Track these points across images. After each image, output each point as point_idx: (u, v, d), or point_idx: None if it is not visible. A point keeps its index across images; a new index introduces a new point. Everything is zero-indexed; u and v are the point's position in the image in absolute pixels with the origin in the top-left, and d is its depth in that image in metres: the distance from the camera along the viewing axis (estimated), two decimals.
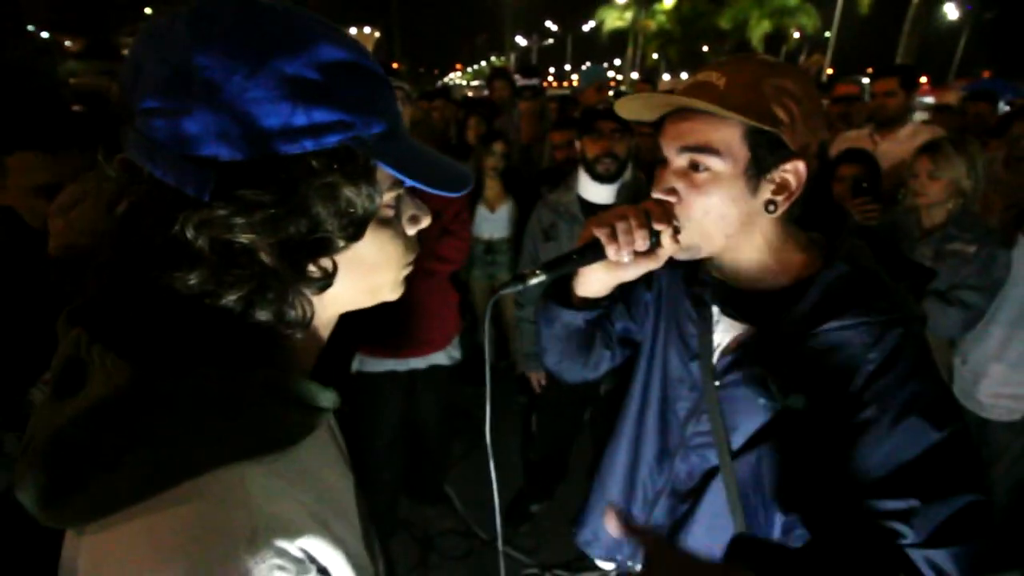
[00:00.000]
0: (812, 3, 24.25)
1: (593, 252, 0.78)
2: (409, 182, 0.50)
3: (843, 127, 3.33)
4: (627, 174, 2.01)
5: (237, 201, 0.42)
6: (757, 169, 0.74)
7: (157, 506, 0.39)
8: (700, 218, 0.76)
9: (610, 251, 0.77)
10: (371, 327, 1.96)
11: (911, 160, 2.01)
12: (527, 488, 2.53)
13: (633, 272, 0.82)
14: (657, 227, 0.77)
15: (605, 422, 1.41)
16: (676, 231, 0.78)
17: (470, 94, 9.67)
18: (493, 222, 2.89)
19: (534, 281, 0.77)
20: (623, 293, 0.98)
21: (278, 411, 0.45)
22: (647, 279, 1.00)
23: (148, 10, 0.46)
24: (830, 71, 21.25)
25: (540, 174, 2.93)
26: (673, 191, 0.77)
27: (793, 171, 0.75)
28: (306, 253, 0.46)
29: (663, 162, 0.81)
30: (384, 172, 0.49)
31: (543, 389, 2.37)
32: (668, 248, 0.78)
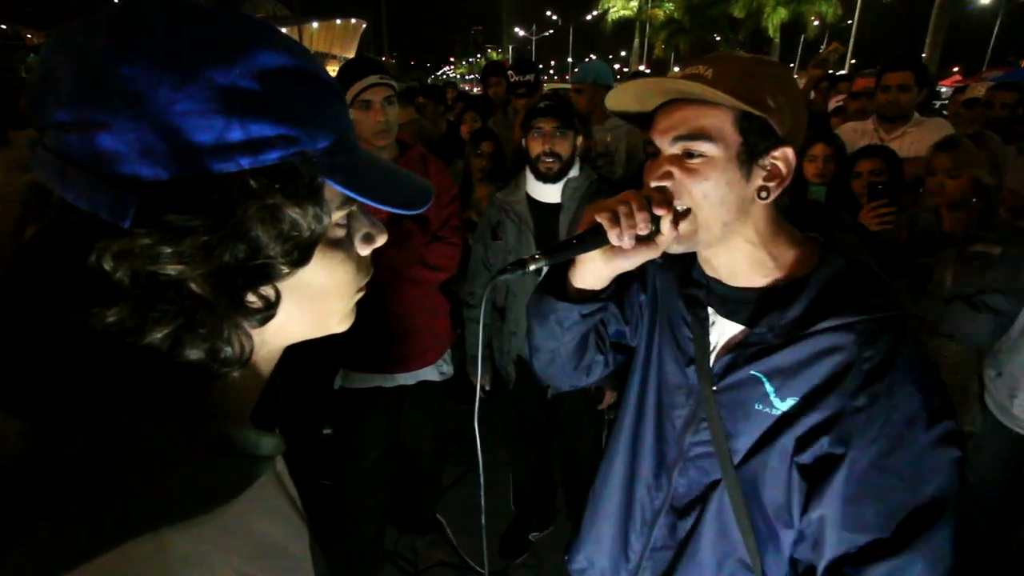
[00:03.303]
0: None
1: (594, 237, 0.82)
2: (361, 200, 0.49)
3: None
4: (574, 172, 2.09)
5: (163, 227, 0.40)
6: (749, 154, 0.80)
7: None
8: (699, 202, 0.81)
9: (612, 235, 0.81)
10: (355, 340, 1.99)
11: (927, 158, 2.06)
12: (526, 515, 2.55)
13: (632, 260, 0.85)
14: (658, 212, 0.81)
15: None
16: (676, 217, 0.82)
17: (465, 89, 9.77)
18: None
19: (534, 266, 0.80)
20: (617, 295, 1.01)
21: (207, 465, 0.44)
22: (641, 280, 1.04)
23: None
24: (852, 62, 21.43)
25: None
26: (669, 175, 0.82)
27: (783, 157, 0.81)
28: (244, 282, 0.45)
29: (653, 155, 0.86)
30: (333, 189, 0.48)
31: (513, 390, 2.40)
32: (667, 235, 0.82)
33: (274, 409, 0.58)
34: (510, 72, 3.50)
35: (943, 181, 1.99)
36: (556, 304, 0.94)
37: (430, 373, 2.17)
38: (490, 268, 2.24)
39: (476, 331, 2.28)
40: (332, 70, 2.12)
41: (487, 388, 2.43)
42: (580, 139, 2.10)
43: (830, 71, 4.55)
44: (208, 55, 0.42)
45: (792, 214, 0.90)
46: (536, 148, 2.04)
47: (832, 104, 4.14)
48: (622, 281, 0.99)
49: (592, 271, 0.89)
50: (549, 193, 2.09)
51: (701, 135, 0.79)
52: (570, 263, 0.92)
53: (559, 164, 2.03)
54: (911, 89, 2.81)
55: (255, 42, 0.44)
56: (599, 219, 0.81)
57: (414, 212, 0.52)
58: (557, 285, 0.96)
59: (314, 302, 0.52)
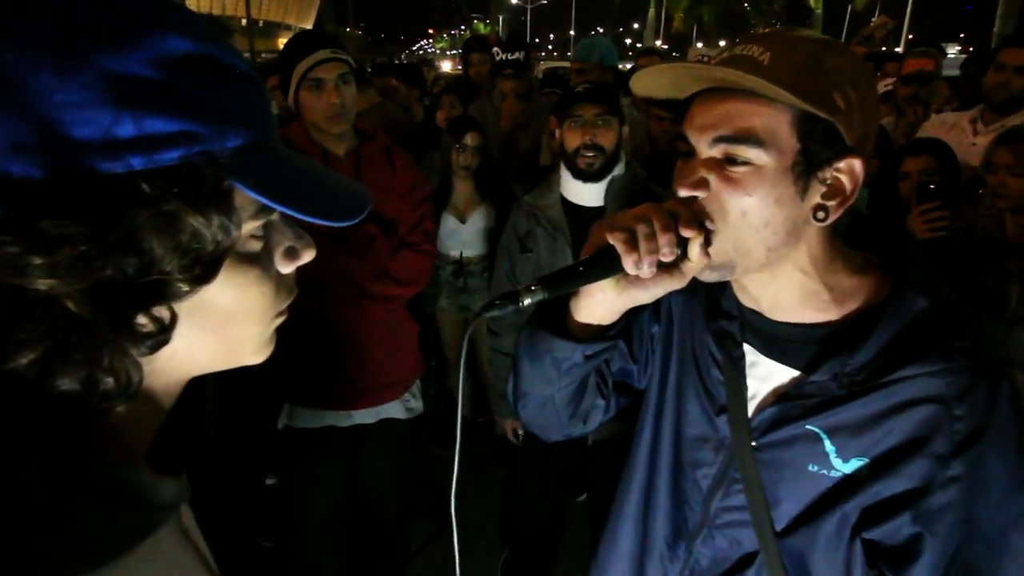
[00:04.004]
0: None
1: (606, 264, 0.79)
2: (275, 207, 0.50)
3: (912, 113, 3.44)
4: (619, 169, 2.09)
5: (34, 234, 0.41)
6: (807, 166, 0.77)
7: None
8: (737, 222, 0.78)
9: (627, 262, 0.78)
10: (303, 368, 2.01)
11: (986, 152, 2.11)
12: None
13: (651, 293, 0.83)
14: (685, 233, 0.78)
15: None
16: (708, 239, 0.80)
17: (447, 67, 9.82)
18: (464, 235, 2.97)
19: (529, 300, 0.77)
20: (624, 327, 0.98)
21: (85, 516, 0.44)
22: (654, 307, 1.02)
23: None
24: (910, 36, 21.78)
25: (521, 172, 3.00)
26: (704, 183, 0.79)
27: (848, 170, 0.79)
28: (132, 301, 0.45)
29: (687, 156, 0.83)
30: (247, 195, 0.49)
31: (525, 448, 2.41)
32: (696, 262, 0.80)
33: (181, 448, 0.59)
34: (495, 49, 3.55)
35: (1005, 180, 2.04)
36: (553, 342, 0.90)
37: (395, 409, 2.18)
38: (518, 286, 2.22)
39: (504, 363, 2.27)
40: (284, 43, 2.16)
41: (520, 433, 2.39)
42: (626, 129, 2.10)
43: (880, 48, 4.64)
44: (100, 38, 0.43)
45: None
46: (574, 140, 2.02)
47: (879, 88, 4.23)
48: (631, 308, 0.97)
49: (601, 304, 0.87)
50: (589, 195, 2.08)
51: (749, 138, 0.76)
52: (572, 292, 0.89)
53: (602, 159, 2.02)
54: None
55: (159, 25, 0.46)
56: (612, 241, 0.78)
57: (343, 224, 0.53)
58: (555, 318, 0.93)
59: (221, 327, 0.52)
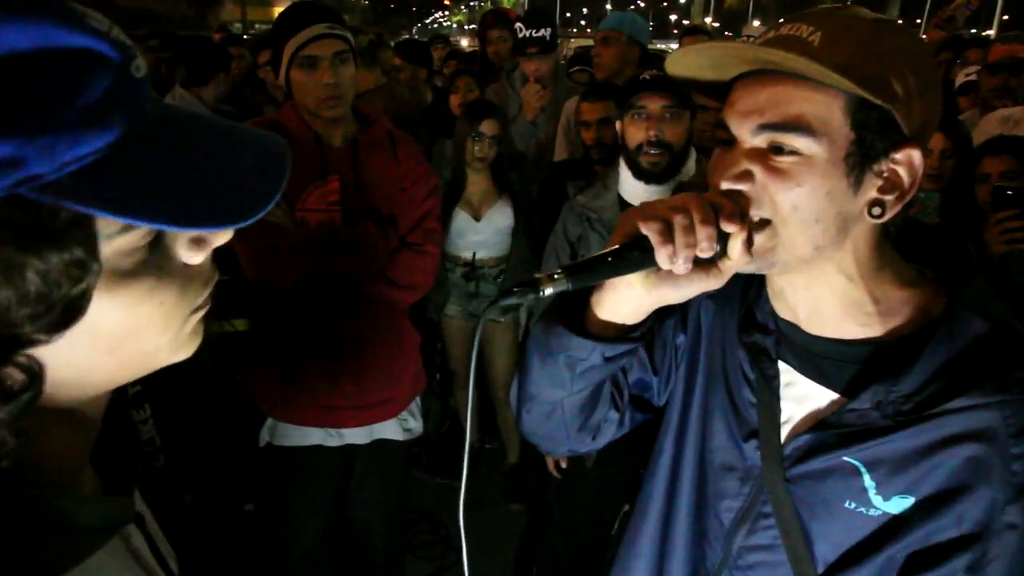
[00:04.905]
0: None
1: (636, 255, 0.80)
2: (140, 225, 0.48)
3: (1001, 105, 3.42)
4: (688, 168, 2.09)
5: None
6: (862, 157, 0.79)
7: None
8: (788, 216, 0.80)
9: (661, 255, 0.79)
10: (287, 378, 2.03)
11: None
12: None
13: (683, 292, 0.85)
14: (727, 228, 0.79)
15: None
16: (751, 236, 0.81)
17: (464, 42, 9.85)
18: (478, 234, 2.99)
19: (551, 290, 0.78)
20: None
21: None
22: (681, 314, 1.04)
23: None
24: (1005, 17, 21.48)
25: (558, 166, 2.99)
26: (747, 175, 0.81)
27: (907, 162, 0.81)
28: None
29: (726, 143, 0.85)
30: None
31: (561, 482, 2.38)
32: (736, 260, 0.82)
33: (134, 466, 0.62)
34: (518, 25, 3.59)
35: None
36: (570, 340, 0.90)
37: (390, 429, 2.20)
38: (539, 274, 2.21)
39: None
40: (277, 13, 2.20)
41: (563, 466, 2.37)
42: (695, 123, 2.10)
43: (962, 32, 4.58)
44: None
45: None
46: (637, 135, 2.02)
47: (960, 79, 4.20)
48: (656, 312, 0.96)
49: (627, 300, 0.87)
50: (652, 198, 2.06)
51: (798, 126, 0.78)
52: (595, 285, 0.90)
53: (668, 158, 2.03)
54: None
55: None
56: (646, 231, 0.79)
57: (235, 226, 0.51)
58: (574, 313, 0.94)
59: (116, 348, 0.52)
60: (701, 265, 0.82)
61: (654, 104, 2.01)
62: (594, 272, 0.82)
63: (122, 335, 0.52)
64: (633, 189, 2.10)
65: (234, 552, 2.69)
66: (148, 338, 0.54)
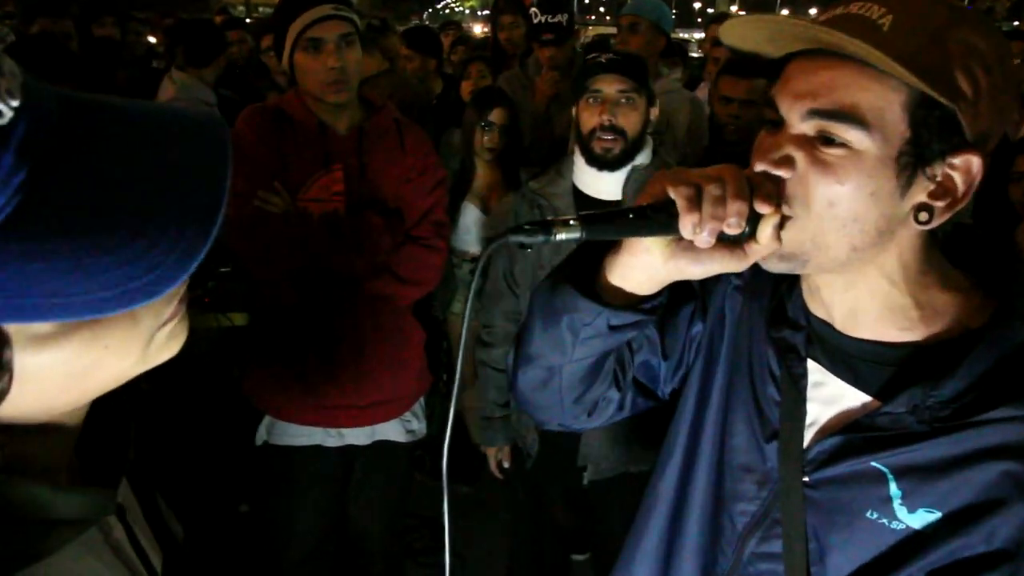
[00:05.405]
0: None
1: (660, 219, 0.79)
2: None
3: None
4: (642, 158, 2.08)
5: None
6: (916, 157, 0.77)
7: None
8: (821, 212, 0.79)
9: (685, 223, 0.78)
10: (286, 374, 2.04)
11: None
12: None
13: (703, 268, 0.83)
14: (760, 208, 0.78)
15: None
16: (783, 221, 0.80)
17: (477, 29, 9.82)
18: (487, 228, 2.98)
19: (564, 236, 0.77)
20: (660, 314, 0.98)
21: None
22: (701, 300, 1.04)
23: None
24: None
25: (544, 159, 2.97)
26: (789, 161, 0.80)
27: (964, 168, 0.78)
28: None
29: (773, 125, 0.84)
30: None
31: (520, 498, 2.40)
32: (764, 244, 0.81)
33: (121, 459, 0.62)
34: (533, 10, 3.57)
35: None
36: (577, 300, 0.89)
37: (392, 430, 2.20)
38: (516, 288, 2.26)
39: (494, 381, 2.29)
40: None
41: (506, 465, 2.41)
42: (654, 111, 2.09)
43: (999, 25, 4.54)
44: None
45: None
46: (591, 119, 2.01)
47: None
48: (672, 294, 0.96)
49: (643, 267, 0.86)
50: (605, 185, 2.08)
51: (851, 116, 0.76)
52: (611, 246, 0.89)
53: (622, 144, 2.02)
54: None
55: None
56: (674, 195, 0.78)
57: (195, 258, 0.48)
58: (584, 273, 0.92)
59: (79, 382, 0.52)
60: (726, 243, 0.81)
61: (609, 88, 2.00)
62: (611, 226, 0.81)
63: (80, 374, 0.51)
64: (586, 176, 2.10)
65: (227, 552, 2.70)
66: (110, 365, 0.53)
